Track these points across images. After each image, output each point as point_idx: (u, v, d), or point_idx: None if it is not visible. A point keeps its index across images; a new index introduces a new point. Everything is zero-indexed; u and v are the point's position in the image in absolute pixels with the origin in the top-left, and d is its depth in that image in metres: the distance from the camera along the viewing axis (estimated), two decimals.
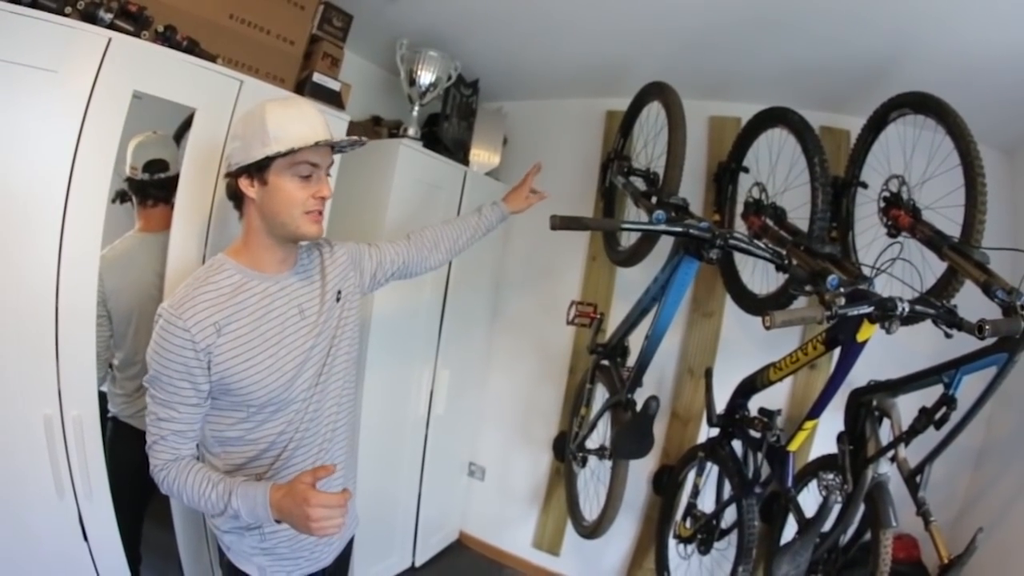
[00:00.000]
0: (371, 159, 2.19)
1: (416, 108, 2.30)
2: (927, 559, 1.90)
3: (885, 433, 1.63)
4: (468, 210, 1.78)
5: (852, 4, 1.60)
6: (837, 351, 1.55)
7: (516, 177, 1.85)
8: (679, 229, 1.57)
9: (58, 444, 1.33)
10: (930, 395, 1.48)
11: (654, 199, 1.89)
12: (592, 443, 2.28)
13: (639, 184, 2.10)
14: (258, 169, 1.10)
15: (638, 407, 1.91)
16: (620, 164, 2.26)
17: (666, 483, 2.29)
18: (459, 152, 2.45)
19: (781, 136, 1.95)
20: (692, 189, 2.36)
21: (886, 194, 1.70)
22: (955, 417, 1.42)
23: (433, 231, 1.60)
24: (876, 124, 1.79)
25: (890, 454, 1.58)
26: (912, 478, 1.55)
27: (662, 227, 1.58)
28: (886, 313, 1.34)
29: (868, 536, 1.64)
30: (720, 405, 2.05)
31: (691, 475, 2.13)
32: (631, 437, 1.91)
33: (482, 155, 2.55)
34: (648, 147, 2.18)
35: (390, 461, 2.39)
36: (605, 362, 2.27)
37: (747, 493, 1.82)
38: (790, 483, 1.68)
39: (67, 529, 1.38)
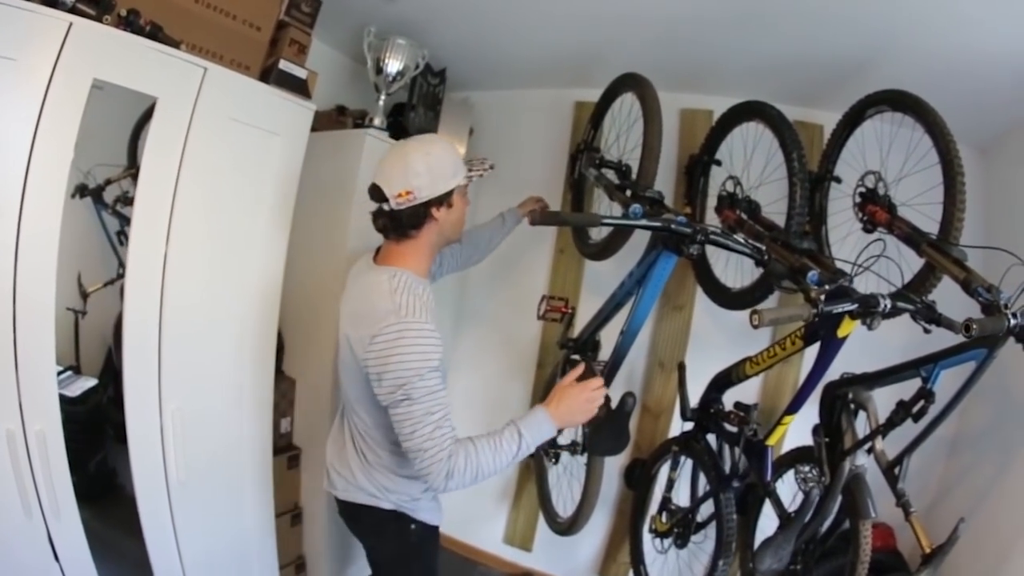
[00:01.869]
0: (336, 150, 2.09)
1: (382, 97, 2.19)
2: (903, 547, 1.96)
3: (860, 426, 1.66)
4: None
5: (834, 4, 1.61)
6: (815, 346, 1.56)
7: None
8: (660, 224, 1.54)
9: (22, 461, 1.27)
10: (906, 388, 1.50)
11: (628, 192, 1.86)
12: (563, 439, 2.25)
13: (611, 176, 2.06)
14: (447, 196, 1.37)
15: (612, 403, 1.88)
16: (591, 156, 2.21)
17: (638, 477, 2.29)
18: None
19: (757, 130, 1.94)
20: (662, 181, 2.28)
21: (862, 189, 1.71)
22: (933, 410, 1.45)
23: (476, 233, 1.92)
24: (852, 120, 1.80)
25: (867, 446, 1.61)
26: (891, 470, 1.57)
27: (643, 222, 1.55)
28: (868, 310, 1.34)
29: (845, 526, 1.68)
30: (693, 399, 2.04)
31: (664, 469, 2.13)
32: (607, 434, 1.87)
33: None
34: (621, 139, 2.14)
35: None
36: (576, 357, 2.24)
37: (725, 487, 1.82)
38: (769, 477, 1.68)
39: (37, 549, 1.33)
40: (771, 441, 1.68)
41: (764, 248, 1.58)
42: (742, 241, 1.60)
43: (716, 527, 1.85)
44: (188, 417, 1.61)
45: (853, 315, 1.38)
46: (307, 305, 2.12)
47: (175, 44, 1.48)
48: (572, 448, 2.25)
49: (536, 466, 2.45)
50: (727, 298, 1.99)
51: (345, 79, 2.50)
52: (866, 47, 1.74)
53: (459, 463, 1.22)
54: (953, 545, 1.43)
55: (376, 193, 1.37)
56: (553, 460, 2.31)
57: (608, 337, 2.08)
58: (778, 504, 1.69)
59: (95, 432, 1.72)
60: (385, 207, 1.37)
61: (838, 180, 1.89)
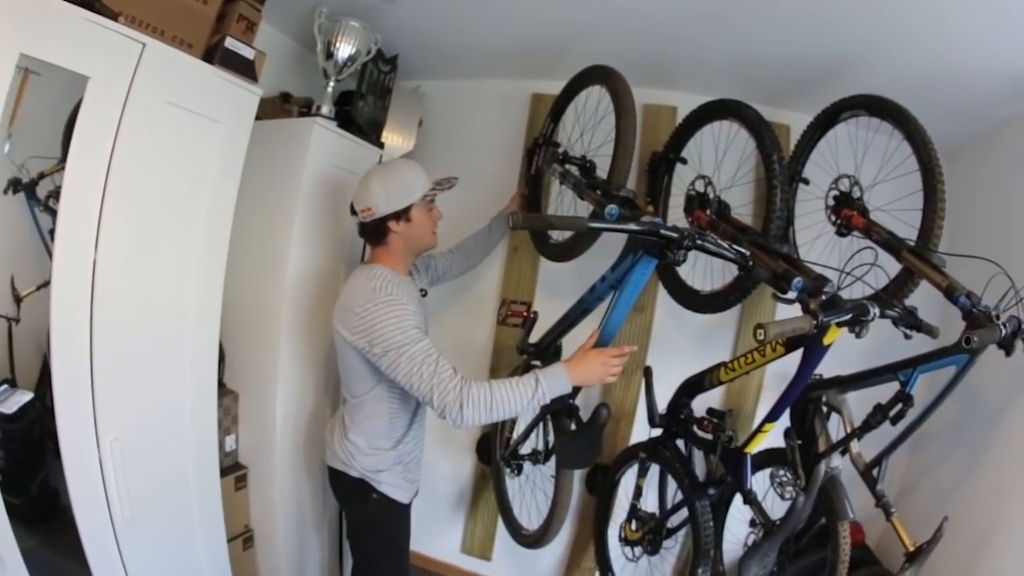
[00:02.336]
0: (280, 141, 1.87)
1: (331, 84, 1.98)
2: (870, 541, 2.03)
3: (832, 428, 1.68)
4: None
5: (816, 7, 1.58)
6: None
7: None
8: (646, 228, 1.44)
9: None
10: (878, 391, 1.53)
11: (599, 191, 1.77)
12: (526, 448, 2.16)
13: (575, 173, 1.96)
14: (404, 212, 1.59)
15: (584, 415, 1.79)
16: (553, 151, 2.10)
17: (602, 483, 2.23)
18: (373, 134, 2.15)
19: (727, 129, 1.90)
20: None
21: (835, 193, 1.71)
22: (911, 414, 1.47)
23: (466, 244, 2.13)
24: (825, 122, 1.80)
25: (841, 448, 1.62)
26: (868, 472, 1.60)
27: (632, 227, 1.44)
28: (858, 318, 1.33)
29: (818, 525, 1.70)
30: (660, 403, 2.00)
31: (630, 476, 2.09)
32: (578, 446, 1.78)
33: (396, 138, 2.27)
34: (586, 135, 2.04)
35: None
36: (536, 363, 2.13)
37: (700, 495, 1.79)
38: (750, 484, 1.66)
39: None
40: (750, 448, 1.65)
41: (748, 254, 1.53)
42: (727, 247, 1.54)
43: (693, 535, 1.81)
44: (128, 447, 1.43)
45: (842, 323, 1.36)
46: (249, 310, 1.90)
47: (113, 16, 1.29)
48: (535, 457, 2.15)
49: (494, 477, 2.34)
50: (697, 301, 1.94)
51: (290, 64, 2.25)
52: (844, 52, 1.74)
53: (473, 393, 1.35)
54: (937, 543, 1.46)
55: (352, 209, 1.64)
56: (515, 472, 2.21)
57: (572, 343, 1.99)
58: (761, 512, 1.67)
59: (35, 450, 1.52)
60: (357, 220, 1.64)
61: (806, 181, 1.89)
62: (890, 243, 1.54)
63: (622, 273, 1.67)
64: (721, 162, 1.94)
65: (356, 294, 1.49)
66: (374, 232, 1.62)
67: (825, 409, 1.69)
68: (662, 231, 1.42)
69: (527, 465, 2.19)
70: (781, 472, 1.68)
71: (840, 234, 1.70)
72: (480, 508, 2.53)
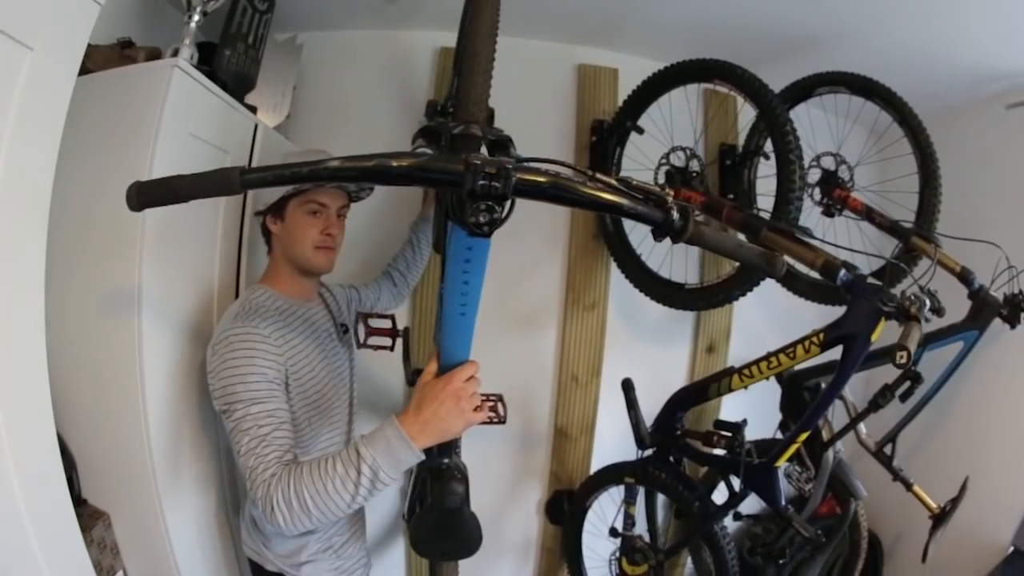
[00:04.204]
0: (118, 102, 1.14)
1: (194, 21, 1.23)
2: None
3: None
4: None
5: None
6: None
7: (306, 136, 1.68)
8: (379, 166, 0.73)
9: None
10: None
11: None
12: None
13: None
14: (277, 208, 1.22)
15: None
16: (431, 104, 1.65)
17: (569, 512, 1.93)
18: (240, 94, 1.40)
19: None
20: (559, 148, 1.93)
21: (818, 171, 1.62)
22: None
23: (391, 266, 1.68)
24: (797, 96, 1.68)
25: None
26: (880, 451, 1.60)
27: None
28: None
29: None
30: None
31: (606, 502, 1.83)
32: (432, 532, 1.08)
33: (265, 104, 1.53)
34: None
35: None
36: None
37: (716, 519, 1.60)
38: (784, 502, 1.51)
39: None
40: (780, 463, 1.50)
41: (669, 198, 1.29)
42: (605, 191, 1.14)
43: (716, 562, 1.62)
44: None
45: (890, 316, 1.26)
46: (92, 383, 1.15)
47: None
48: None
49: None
50: (681, 296, 1.68)
51: (133, 7, 1.45)
52: (814, 26, 1.66)
53: (279, 490, 0.91)
54: (960, 501, 1.52)
55: None
56: None
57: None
58: (803, 527, 1.54)
59: None
60: None
61: (767, 156, 1.77)
62: (895, 228, 1.51)
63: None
64: (698, 131, 1.71)
65: (220, 325, 1.11)
66: (263, 233, 1.29)
67: None
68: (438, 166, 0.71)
69: None
70: (786, 465, 1.58)
71: (827, 214, 1.63)
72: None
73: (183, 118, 1.13)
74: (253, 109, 1.46)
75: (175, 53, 1.16)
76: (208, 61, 1.32)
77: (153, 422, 1.12)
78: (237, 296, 1.41)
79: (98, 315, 1.11)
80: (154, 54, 1.20)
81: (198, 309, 1.28)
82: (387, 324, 1.66)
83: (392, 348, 1.65)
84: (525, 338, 1.96)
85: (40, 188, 0.86)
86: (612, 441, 1.95)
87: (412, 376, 1.62)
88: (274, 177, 0.68)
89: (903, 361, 1.05)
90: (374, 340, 1.65)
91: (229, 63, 1.34)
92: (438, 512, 1.03)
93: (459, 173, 0.66)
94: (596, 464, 1.96)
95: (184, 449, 1.22)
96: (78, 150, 0.99)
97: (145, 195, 0.69)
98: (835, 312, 1.61)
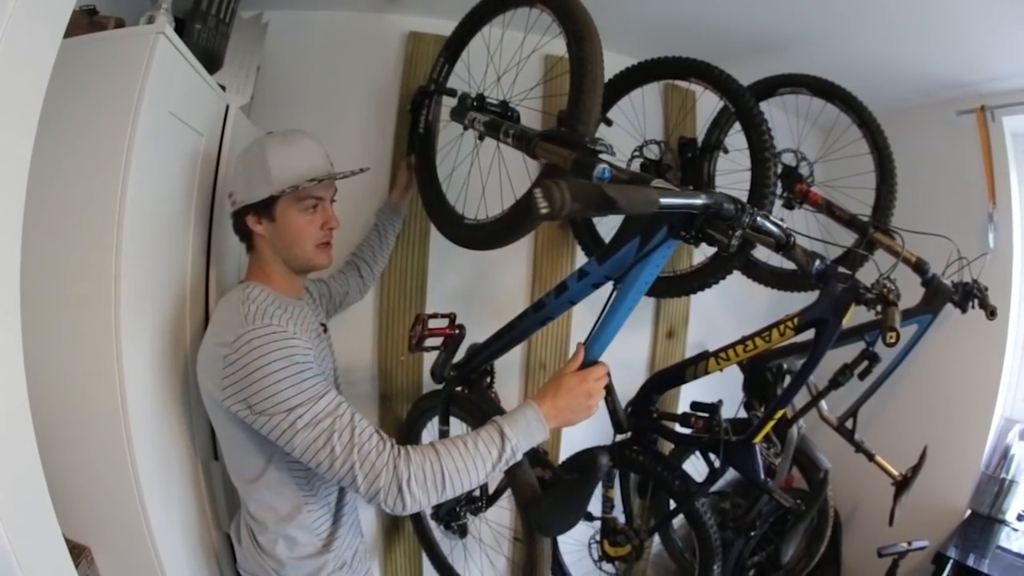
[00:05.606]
0: (90, 69, 0.97)
1: None
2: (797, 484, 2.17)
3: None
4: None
5: None
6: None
7: (268, 120, 1.55)
8: (714, 203, 1.02)
9: None
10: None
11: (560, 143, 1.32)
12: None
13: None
14: (264, 207, 1.11)
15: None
16: (465, 97, 1.57)
17: None
18: (210, 72, 1.25)
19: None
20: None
21: (779, 167, 1.71)
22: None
23: (360, 255, 1.68)
24: (759, 95, 1.76)
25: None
26: (842, 426, 1.73)
27: (698, 201, 1.01)
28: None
29: None
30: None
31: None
32: (562, 504, 1.30)
33: (231, 83, 1.38)
34: (504, 77, 1.59)
35: None
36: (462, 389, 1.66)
37: (698, 496, 1.67)
38: (763, 476, 1.60)
39: None
40: (758, 439, 1.59)
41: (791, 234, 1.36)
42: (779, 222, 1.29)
43: (698, 536, 1.69)
44: None
45: (869, 302, 1.37)
46: (67, 403, 0.98)
47: None
48: (475, 508, 1.73)
49: (421, 539, 1.80)
50: (662, 281, 1.73)
51: None
52: (778, 29, 1.75)
53: (415, 467, 0.92)
54: (921, 468, 1.68)
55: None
56: (457, 534, 1.73)
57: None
58: (783, 498, 1.64)
59: None
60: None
61: (726, 150, 1.86)
62: (854, 221, 1.63)
63: (620, 265, 1.25)
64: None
65: (222, 328, 1.00)
66: (239, 231, 1.18)
67: (788, 377, 1.76)
68: (725, 206, 0.94)
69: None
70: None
71: (787, 207, 1.73)
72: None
73: (164, 94, 0.99)
74: (223, 89, 1.32)
75: (151, 21, 1.02)
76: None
77: (136, 437, 0.98)
78: (207, 295, 1.28)
79: (71, 315, 0.97)
80: (121, 25, 1.05)
81: (174, 309, 1.14)
82: (444, 324, 1.59)
83: (444, 348, 1.59)
84: (494, 327, 1.94)
85: (16, 179, 0.71)
86: (579, 427, 1.97)
87: (442, 370, 1.59)
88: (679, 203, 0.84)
89: (892, 341, 1.14)
90: (430, 342, 1.58)
91: (200, 38, 1.20)
92: (588, 479, 1.22)
93: (738, 208, 0.91)
94: (566, 451, 1.97)
95: (173, 467, 1.09)
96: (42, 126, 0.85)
97: (578, 195, 0.66)
98: (786, 296, 1.77)
